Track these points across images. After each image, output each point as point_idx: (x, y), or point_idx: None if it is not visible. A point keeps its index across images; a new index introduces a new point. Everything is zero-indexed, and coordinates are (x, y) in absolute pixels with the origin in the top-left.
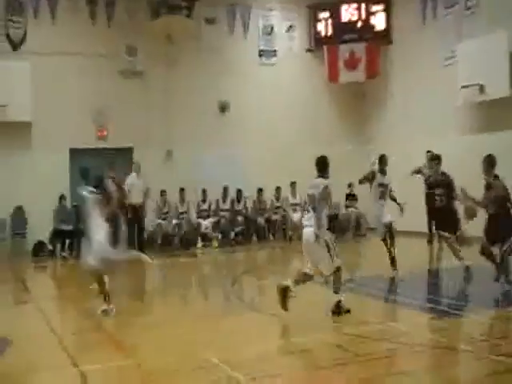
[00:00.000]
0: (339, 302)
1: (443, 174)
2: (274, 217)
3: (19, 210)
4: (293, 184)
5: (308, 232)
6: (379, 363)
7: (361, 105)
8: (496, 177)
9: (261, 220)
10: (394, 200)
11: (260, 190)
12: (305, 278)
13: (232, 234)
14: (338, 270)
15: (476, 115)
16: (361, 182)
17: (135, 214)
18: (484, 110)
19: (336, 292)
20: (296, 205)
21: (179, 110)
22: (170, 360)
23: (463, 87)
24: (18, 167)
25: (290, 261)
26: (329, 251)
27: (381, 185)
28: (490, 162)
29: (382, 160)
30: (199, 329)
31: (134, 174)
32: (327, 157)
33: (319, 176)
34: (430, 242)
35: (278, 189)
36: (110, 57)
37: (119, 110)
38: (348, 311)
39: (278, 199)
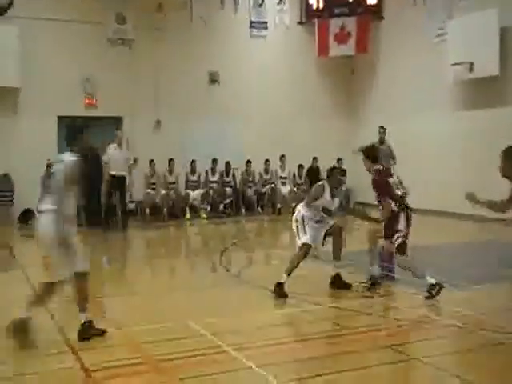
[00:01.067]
0: (88, 322)
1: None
2: (263, 189)
3: (5, 178)
4: (282, 157)
5: (45, 222)
6: (366, 337)
7: (350, 80)
8: None
9: (250, 192)
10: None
11: (248, 162)
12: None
13: (221, 206)
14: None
15: (467, 92)
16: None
17: (116, 185)
18: (474, 87)
19: (82, 310)
20: (285, 178)
21: (169, 79)
22: (157, 329)
23: (453, 65)
24: (5, 134)
25: (278, 233)
26: (68, 254)
27: (325, 210)
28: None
29: (333, 174)
30: (185, 299)
31: (113, 145)
32: (83, 125)
33: (70, 150)
34: None
35: (266, 161)
36: (100, 24)
37: (109, 79)
38: (101, 333)
39: (267, 172)
